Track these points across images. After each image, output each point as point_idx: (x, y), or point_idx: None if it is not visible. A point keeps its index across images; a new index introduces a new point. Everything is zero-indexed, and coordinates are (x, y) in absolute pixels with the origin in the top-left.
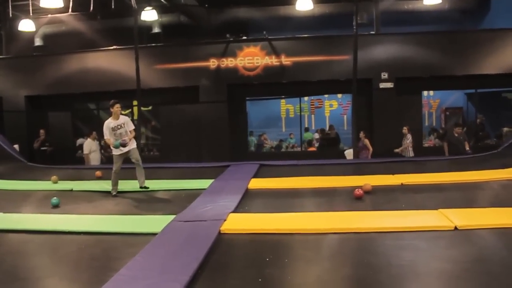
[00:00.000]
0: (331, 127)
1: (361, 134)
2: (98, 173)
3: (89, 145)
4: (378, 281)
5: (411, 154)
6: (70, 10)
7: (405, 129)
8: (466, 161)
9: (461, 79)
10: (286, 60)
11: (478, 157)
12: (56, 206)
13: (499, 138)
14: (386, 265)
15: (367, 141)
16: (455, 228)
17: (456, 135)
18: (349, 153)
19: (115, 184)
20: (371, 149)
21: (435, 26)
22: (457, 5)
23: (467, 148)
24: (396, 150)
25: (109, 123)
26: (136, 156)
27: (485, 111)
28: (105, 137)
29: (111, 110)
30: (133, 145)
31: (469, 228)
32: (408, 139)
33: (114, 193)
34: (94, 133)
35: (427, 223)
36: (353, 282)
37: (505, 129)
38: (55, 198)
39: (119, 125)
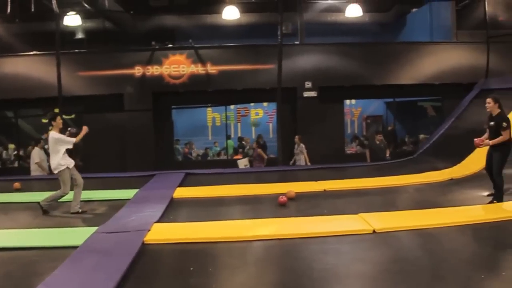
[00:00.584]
0: (259, 136)
1: (254, 145)
2: (16, 184)
3: (38, 154)
4: (301, 285)
5: (304, 163)
6: None
7: (296, 138)
8: (385, 167)
9: (381, 89)
10: (212, 69)
11: (396, 163)
12: None
13: (415, 144)
14: (309, 269)
15: (260, 151)
16: (374, 231)
17: (377, 142)
18: (241, 162)
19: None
20: (265, 157)
21: (356, 38)
22: (376, 19)
23: (387, 155)
24: (291, 163)
25: (55, 135)
26: (79, 177)
27: (403, 119)
28: (71, 142)
29: (53, 123)
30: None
31: (386, 231)
32: (299, 148)
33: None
34: (42, 142)
35: (348, 228)
36: (276, 286)
37: (421, 136)
38: None
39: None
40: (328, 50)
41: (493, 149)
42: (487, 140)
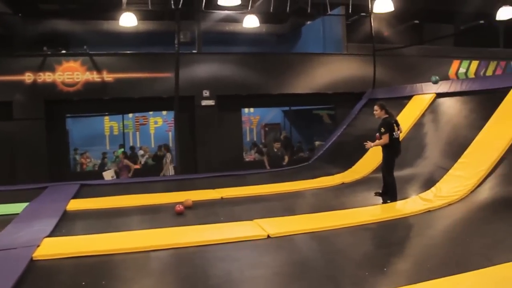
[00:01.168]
0: (165, 146)
1: (121, 156)
2: None
3: None
4: None
5: (172, 172)
6: None
7: (163, 149)
8: (282, 173)
9: (277, 97)
10: (108, 76)
11: (293, 169)
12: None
13: (311, 151)
14: (204, 277)
15: (127, 161)
16: (268, 236)
17: (275, 150)
18: (106, 174)
19: None
20: (133, 167)
21: (254, 48)
22: (273, 30)
23: (285, 162)
24: (161, 174)
25: None
26: None
27: (300, 126)
28: None
29: None
30: None
31: (280, 235)
32: (167, 158)
33: None
34: None
35: (243, 234)
36: None
37: (317, 142)
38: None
39: None
40: (226, 59)
41: (382, 150)
42: (371, 142)
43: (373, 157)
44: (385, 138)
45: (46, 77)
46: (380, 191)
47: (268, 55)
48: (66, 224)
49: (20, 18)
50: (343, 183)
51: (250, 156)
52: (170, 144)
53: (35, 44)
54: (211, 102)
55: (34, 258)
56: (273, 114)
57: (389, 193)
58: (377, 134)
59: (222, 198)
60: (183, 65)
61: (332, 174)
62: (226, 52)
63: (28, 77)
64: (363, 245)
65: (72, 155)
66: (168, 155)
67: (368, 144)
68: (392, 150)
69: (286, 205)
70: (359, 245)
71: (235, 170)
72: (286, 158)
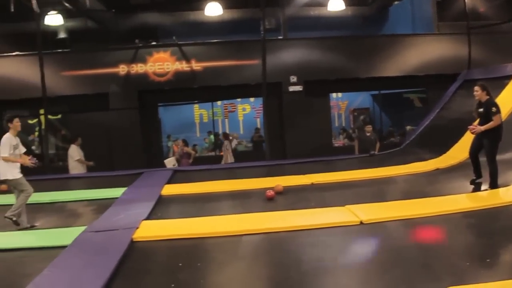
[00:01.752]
0: (224, 134)
1: (181, 143)
2: (3, 186)
3: (77, 151)
4: (289, 278)
5: (231, 159)
6: None
7: (221, 137)
8: (372, 159)
9: (366, 81)
10: (196, 65)
11: (383, 155)
12: None
13: (402, 136)
14: (296, 262)
15: (187, 149)
16: (361, 222)
17: (368, 134)
18: (168, 162)
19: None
20: (193, 154)
21: (340, 31)
22: (359, 12)
23: (376, 150)
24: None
25: (10, 138)
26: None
27: (389, 111)
28: (3, 154)
29: (10, 125)
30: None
31: (373, 222)
32: (225, 146)
33: (14, 218)
34: (79, 139)
35: (335, 220)
36: (264, 280)
37: (408, 127)
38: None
39: (17, 143)
40: (312, 44)
41: (483, 135)
42: (479, 126)
43: (470, 141)
44: (497, 119)
45: (138, 68)
46: (475, 179)
47: (356, 38)
48: (161, 208)
49: (113, 13)
50: (437, 169)
51: (339, 141)
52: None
53: (127, 37)
54: (298, 88)
55: (134, 239)
56: (362, 99)
57: (493, 183)
58: (476, 114)
59: (312, 183)
60: (269, 51)
61: (425, 160)
62: (312, 37)
63: (122, 69)
64: (462, 234)
65: (165, 142)
66: (226, 143)
67: (477, 128)
68: (498, 134)
69: (378, 191)
70: (458, 234)
71: (324, 155)
72: (378, 145)
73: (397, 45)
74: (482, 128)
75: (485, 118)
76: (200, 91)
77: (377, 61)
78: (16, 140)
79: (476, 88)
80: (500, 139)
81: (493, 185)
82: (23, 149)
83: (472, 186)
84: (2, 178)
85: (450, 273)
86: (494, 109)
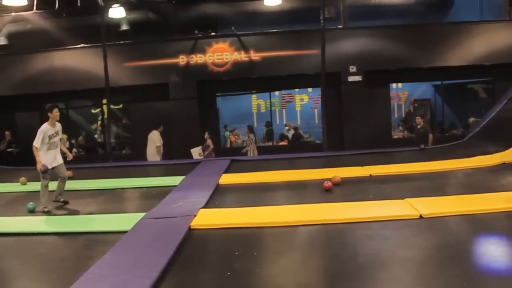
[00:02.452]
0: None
1: (206, 135)
2: (69, 173)
3: (158, 137)
4: (346, 270)
5: (255, 153)
6: (34, 8)
7: (246, 130)
8: (433, 151)
9: (427, 71)
10: (255, 56)
11: (445, 147)
12: (31, 211)
13: (465, 128)
14: (353, 255)
15: (209, 141)
16: (420, 216)
17: (418, 126)
18: (194, 152)
19: (44, 196)
20: (211, 146)
21: (401, 20)
22: None
23: (429, 143)
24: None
25: (46, 129)
26: (63, 172)
27: (452, 102)
28: (35, 144)
29: (50, 114)
30: (60, 160)
31: (433, 216)
32: (250, 138)
33: (46, 209)
34: (161, 126)
35: (393, 213)
36: (320, 271)
37: (471, 119)
38: (31, 203)
39: (55, 132)
40: (372, 33)
41: None
42: None
43: None
44: None
45: (197, 58)
46: None
47: (417, 26)
48: (219, 196)
49: (173, 5)
50: (503, 163)
51: (398, 133)
52: (316, 121)
53: (187, 28)
54: (358, 78)
55: (191, 227)
56: (423, 89)
57: None
58: None
59: (370, 175)
60: (328, 41)
61: (491, 153)
62: (373, 25)
63: (181, 60)
64: None
65: (223, 132)
66: (251, 136)
67: None
68: None
69: (439, 185)
70: None
71: (383, 147)
72: (431, 137)
73: (462, 33)
74: None
75: None
76: (258, 81)
77: (440, 50)
78: (54, 129)
79: None
80: None
81: None
82: (61, 137)
83: None
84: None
85: None
86: None
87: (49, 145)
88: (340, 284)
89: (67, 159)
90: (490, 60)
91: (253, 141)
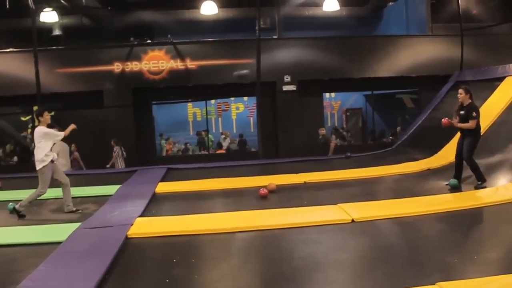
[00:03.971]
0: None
1: (73, 148)
2: None
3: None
4: (282, 273)
5: (122, 165)
6: None
7: (112, 142)
8: (364, 158)
9: (359, 82)
10: (191, 64)
11: (374, 154)
12: (11, 211)
13: (394, 136)
14: (289, 258)
15: (77, 154)
16: (352, 220)
17: (320, 136)
18: None
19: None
20: (80, 162)
21: (334, 32)
22: (353, 13)
23: (329, 153)
24: (107, 166)
25: (46, 129)
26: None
27: (382, 111)
28: (60, 135)
29: (41, 118)
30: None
31: (364, 220)
32: (115, 152)
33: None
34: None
35: (327, 217)
36: (257, 275)
37: (398, 128)
38: (11, 203)
39: None
40: (306, 44)
41: (463, 136)
42: (455, 120)
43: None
44: (473, 123)
45: (133, 66)
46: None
47: (350, 38)
48: (156, 205)
49: (109, 11)
50: (428, 169)
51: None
52: (251, 130)
53: (123, 35)
54: (292, 87)
55: (128, 236)
56: (355, 99)
57: (478, 176)
58: (456, 116)
59: (305, 182)
60: (264, 51)
61: (417, 160)
62: (307, 36)
63: (116, 67)
64: (450, 232)
65: (158, 141)
66: (116, 149)
67: (454, 120)
68: (476, 137)
69: (370, 190)
70: (446, 232)
71: (317, 155)
72: (332, 145)
73: (390, 46)
74: (459, 124)
75: (464, 120)
76: (194, 89)
77: (371, 62)
78: None
79: (460, 90)
80: (477, 142)
81: (480, 177)
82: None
83: (464, 186)
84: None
85: (439, 269)
86: (474, 114)
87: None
88: (276, 286)
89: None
90: (416, 71)
91: (120, 154)
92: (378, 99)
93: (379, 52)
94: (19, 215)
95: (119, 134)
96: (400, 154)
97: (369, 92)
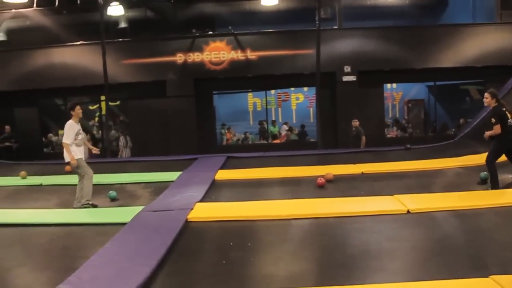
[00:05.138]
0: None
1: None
2: (67, 167)
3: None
4: (335, 260)
5: (128, 155)
6: (35, 5)
7: (118, 133)
8: (425, 151)
9: (421, 72)
10: (251, 55)
11: (435, 147)
12: (114, 199)
13: (457, 128)
14: (342, 246)
15: (88, 144)
16: (408, 211)
17: (353, 128)
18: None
19: (90, 190)
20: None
21: (396, 21)
22: (416, 1)
23: (361, 145)
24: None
25: (73, 125)
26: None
27: (445, 102)
28: (65, 141)
29: (72, 112)
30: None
31: (420, 211)
32: (121, 142)
33: (90, 202)
34: None
35: (382, 208)
36: (311, 261)
37: (461, 120)
38: (112, 191)
39: (79, 129)
40: (367, 34)
41: (490, 140)
42: (488, 131)
43: None
44: (497, 129)
45: (195, 57)
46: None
47: (412, 28)
48: (215, 191)
49: (171, 3)
50: None
51: (392, 132)
52: (311, 120)
53: (185, 27)
54: (352, 78)
55: (188, 220)
56: (417, 90)
57: (492, 181)
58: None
59: (362, 173)
60: (324, 41)
61: (480, 153)
62: (368, 26)
63: (179, 58)
64: (509, 227)
65: (219, 130)
66: (122, 139)
67: (486, 134)
68: (503, 140)
69: (428, 183)
70: (506, 227)
71: (377, 146)
72: (363, 139)
73: (455, 35)
74: (487, 134)
75: (491, 125)
76: (255, 80)
77: (434, 52)
78: (78, 126)
79: (486, 95)
80: (502, 147)
81: (493, 183)
82: (84, 135)
83: None
84: (66, 160)
85: (497, 263)
86: (492, 120)
87: (78, 141)
88: (329, 272)
89: (93, 152)
90: (482, 62)
91: (126, 145)
92: (441, 90)
93: (443, 42)
94: (91, 205)
95: (181, 122)
96: (462, 147)
97: (431, 83)
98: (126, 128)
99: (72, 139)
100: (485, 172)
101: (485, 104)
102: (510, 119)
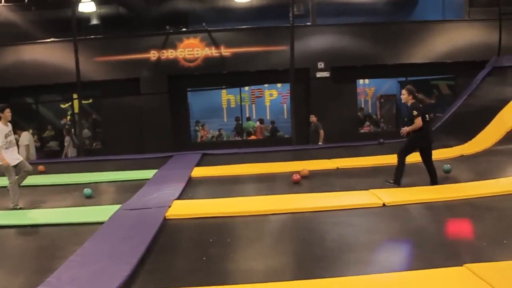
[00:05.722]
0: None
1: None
2: (40, 167)
3: (28, 137)
4: (313, 253)
5: (73, 154)
6: (3, 1)
7: (64, 132)
8: (398, 145)
9: (393, 68)
10: (225, 51)
11: None
12: (89, 197)
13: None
14: (320, 240)
15: (69, 138)
16: (384, 204)
17: (311, 123)
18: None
19: (15, 195)
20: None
21: (368, 18)
22: None
23: (320, 141)
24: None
25: (2, 128)
26: (28, 166)
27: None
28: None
29: (1, 115)
30: (20, 156)
31: (396, 204)
32: (67, 141)
33: (19, 206)
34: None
35: (358, 201)
36: (289, 255)
37: (431, 114)
38: (87, 189)
39: (10, 131)
40: (340, 30)
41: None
42: (405, 127)
43: (497, 128)
44: (418, 121)
45: (168, 54)
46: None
47: (384, 24)
48: (192, 189)
49: (145, 0)
50: (462, 156)
51: (365, 127)
52: (285, 116)
53: (158, 24)
54: (325, 74)
55: (166, 217)
56: (389, 85)
57: (396, 175)
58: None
59: (337, 168)
60: (297, 37)
61: (451, 146)
62: (341, 23)
63: (153, 55)
64: (482, 218)
65: (193, 127)
66: (67, 138)
67: (404, 129)
68: (420, 136)
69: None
70: (477, 218)
71: (350, 141)
72: (322, 133)
73: (425, 31)
74: (407, 129)
75: (411, 121)
76: (229, 76)
77: (405, 48)
78: (8, 128)
79: (403, 91)
80: (418, 142)
81: (397, 177)
82: (13, 137)
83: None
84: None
85: (467, 252)
86: (414, 112)
87: (8, 143)
88: (307, 265)
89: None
90: (452, 57)
91: (70, 143)
92: (412, 85)
93: (414, 38)
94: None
95: (155, 120)
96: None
97: (403, 79)
98: (71, 127)
99: (2, 142)
100: (448, 165)
101: (403, 101)
102: (427, 116)
